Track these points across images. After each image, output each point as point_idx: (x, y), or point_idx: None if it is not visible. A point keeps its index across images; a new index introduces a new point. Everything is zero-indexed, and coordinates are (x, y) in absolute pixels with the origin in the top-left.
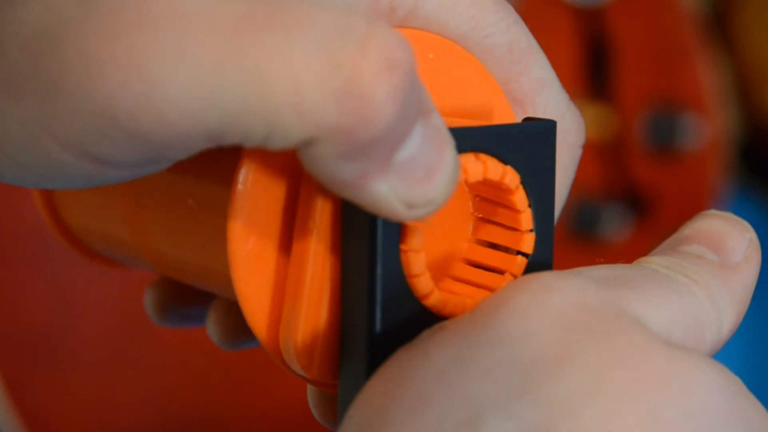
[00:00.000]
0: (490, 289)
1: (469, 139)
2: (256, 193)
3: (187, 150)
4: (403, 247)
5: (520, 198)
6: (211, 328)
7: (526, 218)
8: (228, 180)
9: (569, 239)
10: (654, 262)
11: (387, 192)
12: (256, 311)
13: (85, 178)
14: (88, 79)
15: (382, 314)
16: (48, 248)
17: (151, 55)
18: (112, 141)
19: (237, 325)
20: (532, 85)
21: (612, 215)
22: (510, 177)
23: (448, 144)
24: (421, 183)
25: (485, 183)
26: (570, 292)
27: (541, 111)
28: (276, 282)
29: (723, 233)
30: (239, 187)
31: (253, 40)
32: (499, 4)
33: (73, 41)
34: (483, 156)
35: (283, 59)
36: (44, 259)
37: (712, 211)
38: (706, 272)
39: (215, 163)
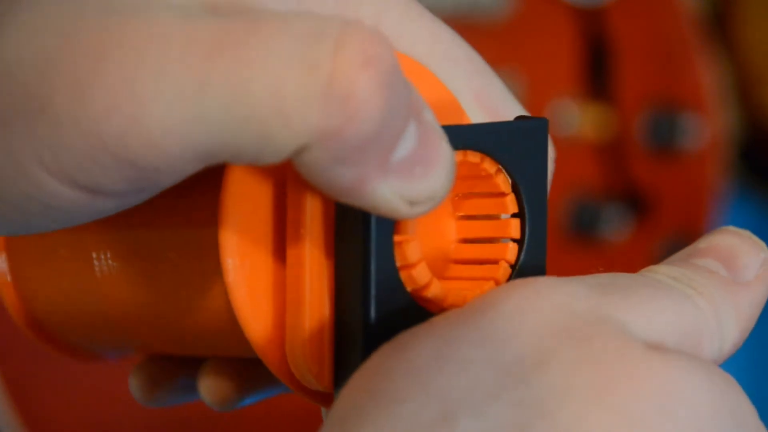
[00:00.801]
0: (488, 279)
1: (461, 138)
2: (243, 218)
3: (177, 173)
4: (397, 239)
5: (502, 181)
6: (204, 392)
7: (511, 201)
8: (209, 220)
9: (569, 239)
10: (661, 271)
11: (388, 193)
12: (259, 332)
13: (74, 210)
14: (76, 104)
15: (376, 309)
16: None
17: (135, 75)
18: (101, 167)
19: (230, 385)
20: (502, 96)
21: (612, 215)
22: (487, 161)
23: (443, 138)
24: (421, 179)
25: (465, 173)
26: (559, 299)
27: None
28: (275, 302)
29: (737, 250)
30: (225, 218)
31: (231, 54)
32: (443, 22)
33: (59, 67)
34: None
35: (262, 68)
36: None
37: (730, 228)
38: (713, 286)
39: (189, 208)
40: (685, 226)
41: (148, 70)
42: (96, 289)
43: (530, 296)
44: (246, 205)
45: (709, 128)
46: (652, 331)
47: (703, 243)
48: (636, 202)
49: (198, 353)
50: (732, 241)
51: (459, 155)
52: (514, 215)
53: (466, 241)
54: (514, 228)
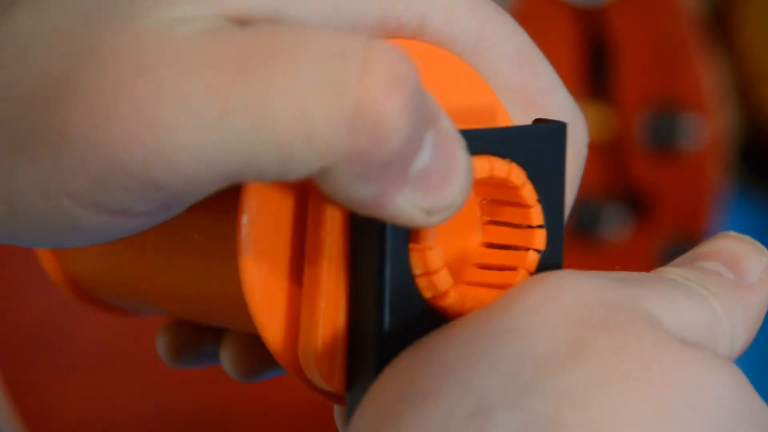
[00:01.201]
0: (505, 287)
1: (479, 142)
2: (264, 213)
3: (202, 193)
4: (419, 246)
5: (528, 193)
6: (226, 362)
7: (536, 213)
8: (233, 207)
9: (569, 239)
10: (673, 272)
11: (405, 204)
12: (273, 330)
13: (101, 232)
14: (97, 133)
15: (390, 315)
16: None
17: (156, 102)
18: (126, 192)
19: (251, 357)
20: (544, 88)
21: (612, 215)
22: (516, 173)
23: (460, 146)
24: (438, 189)
25: (492, 182)
26: (584, 290)
27: (556, 114)
28: (290, 300)
29: (740, 254)
30: (246, 211)
31: (254, 76)
32: (497, 11)
33: (78, 94)
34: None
35: (287, 91)
36: None
37: (731, 233)
38: (724, 288)
39: (217, 193)
40: (685, 226)
41: (168, 96)
42: (127, 260)
43: (553, 289)
44: (266, 207)
45: (709, 128)
46: (674, 326)
47: (706, 247)
48: (636, 202)
49: (217, 325)
50: (735, 246)
51: (485, 169)
52: (539, 226)
53: (489, 245)
54: (539, 238)
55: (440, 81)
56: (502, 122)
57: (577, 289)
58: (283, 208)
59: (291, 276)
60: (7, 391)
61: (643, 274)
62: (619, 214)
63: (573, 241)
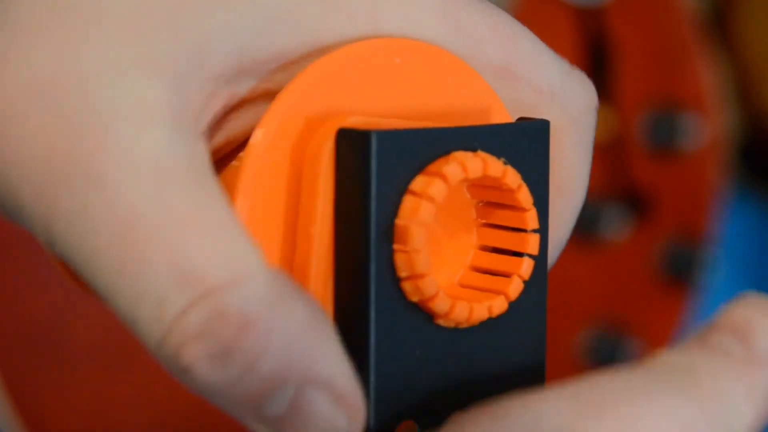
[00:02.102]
0: (497, 292)
1: (459, 140)
2: (258, 197)
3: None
4: (405, 248)
5: (524, 196)
6: None
7: (532, 217)
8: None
9: (569, 239)
10: (662, 360)
11: None
12: None
13: None
14: None
15: (376, 314)
16: None
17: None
18: None
19: None
20: (527, 59)
21: (612, 215)
22: (511, 175)
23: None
24: None
25: (488, 184)
26: (525, 420)
27: (544, 85)
28: None
29: (756, 326)
30: (241, 191)
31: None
32: (496, 16)
33: None
34: (481, 153)
35: (133, 275)
36: (44, 260)
37: (752, 298)
38: (722, 370)
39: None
40: (685, 226)
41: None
42: None
43: (495, 415)
44: (261, 193)
45: (709, 128)
46: None
47: (721, 318)
48: (636, 202)
49: None
50: (751, 315)
51: (479, 168)
52: (534, 231)
53: (485, 248)
54: (533, 243)
55: (435, 79)
56: (497, 120)
57: (519, 420)
58: (277, 199)
59: (281, 266)
60: (7, 391)
61: (608, 380)
62: (619, 214)
63: (573, 241)
